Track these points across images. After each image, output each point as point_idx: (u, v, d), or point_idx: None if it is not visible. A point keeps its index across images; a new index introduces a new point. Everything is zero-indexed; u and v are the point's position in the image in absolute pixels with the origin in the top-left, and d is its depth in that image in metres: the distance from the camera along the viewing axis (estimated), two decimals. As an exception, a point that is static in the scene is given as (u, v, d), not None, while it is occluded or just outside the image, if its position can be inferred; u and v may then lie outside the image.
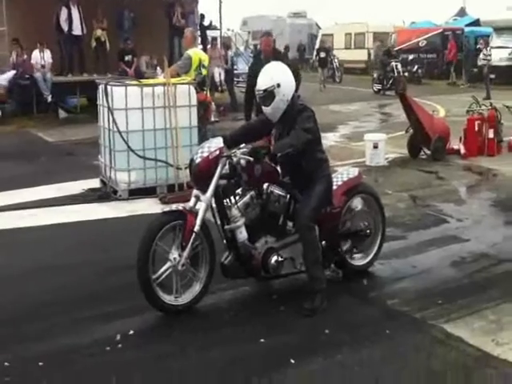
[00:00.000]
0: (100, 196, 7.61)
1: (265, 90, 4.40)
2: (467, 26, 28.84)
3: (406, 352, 3.81)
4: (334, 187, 4.73)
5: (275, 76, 4.45)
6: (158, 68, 12.04)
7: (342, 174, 4.99)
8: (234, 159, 4.28)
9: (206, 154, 4.29)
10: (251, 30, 35.61)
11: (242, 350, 3.88)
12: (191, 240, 4.19)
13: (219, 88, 17.13)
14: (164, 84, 7.62)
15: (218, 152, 4.27)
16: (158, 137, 7.48)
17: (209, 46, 18.16)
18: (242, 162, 4.29)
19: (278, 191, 4.50)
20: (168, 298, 4.25)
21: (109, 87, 7.57)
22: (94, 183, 8.02)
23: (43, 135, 12.54)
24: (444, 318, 4.24)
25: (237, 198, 4.39)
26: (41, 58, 14.42)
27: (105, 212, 6.97)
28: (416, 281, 4.91)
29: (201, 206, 4.25)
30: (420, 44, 27.90)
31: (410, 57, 25.57)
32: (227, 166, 4.29)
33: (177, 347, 3.91)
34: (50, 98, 14.39)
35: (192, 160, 4.38)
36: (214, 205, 4.36)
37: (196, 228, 4.18)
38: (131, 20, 15.98)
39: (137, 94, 7.45)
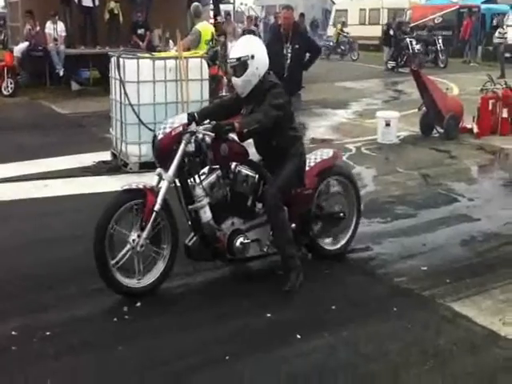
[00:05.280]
0: (111, 169, 7.63)
1: (238, 59, 4.28)
2: (484, 3, 28.33)
3: (413, 329, 3.81)
4: (307, 168, 4.60)
5: (251, 47, 4.35)
6: (171, 41, 11.95)
7: (316, 154, 4.83)
8: (199, 136, 4.12)
9: (168, 130, 4.12)
10: (264, 5, 35.23)
11: (248, 324, 3.89)
12: (151, 220, 4.04)
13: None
14: (176, 57, 7.58)
15: (180, 128, 4.11)
16: (170, 110, 7.43)
17: (221, 19, 18.02)
18: (207, 139, 4.13)
19: (245, 171, 4.34)
20: (128, 282, 4.12)
21: (121, 60, 7.53)
22: (105, 156, 8.03)
23: (56, 107, 12.53)
24: (452, 296, 4.24)
25: (202, 177, 4.22)
26: (54, 30, 14.34)
27: (115, 184, 6.93)
28: (425, 259, 4.89)
29: (163, 185, 4.10)
30: (435, 21, 27.47)
31: (425, 34, 25.19)
32: (193, 144, 4.13)
33: (183, 320, 3.93)
34: (62, 72, 14.35)
35: (154, 136, 4.22)
36: (178, 184, 4.23)
37: (156, 207, 4.03)
38: (145, -7, 15.83)
39: (149, 67, 7.42)
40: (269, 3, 33.96)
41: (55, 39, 14.36)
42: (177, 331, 3.80)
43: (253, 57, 4.27)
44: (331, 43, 26.52)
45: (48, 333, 3.73)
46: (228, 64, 4.41)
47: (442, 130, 9.63)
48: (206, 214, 4.19)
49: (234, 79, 4.37)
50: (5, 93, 13.67)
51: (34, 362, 3.46)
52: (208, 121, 4.26)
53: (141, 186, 4.10)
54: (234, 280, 4.61)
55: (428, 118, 9.82)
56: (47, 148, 8.61)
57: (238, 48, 4.39)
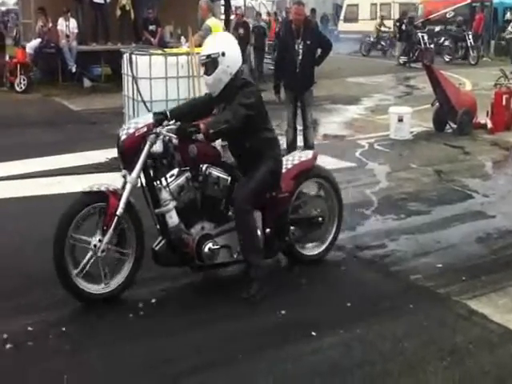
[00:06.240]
0: (124, 165, 7.62)
1: (208, 56, 4.13)
2: (496, -4, 28.10)
3: (429, 327, 3.79)
4: (284, 170, 4.42)
5: (221, 44, 4.18)
6: (183, 37, 11.95)
7: (294, 156, 4.65)
8: (167, 137, 3.95)
9: (132, 131, 3.95)
10: (275, 0, 35.14)
11: (263, 321, 3.89)
12: (113, 224, 3.89)
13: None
14: (188, 53, 7.58)
15: (145, 129, 3.93)
16: (182, 107, 7.45)
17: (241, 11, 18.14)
18: (175, 140, 3.96)
19: (217, 173, 4.16)
20: (94, 288, 4.00)
21: (133, 56, 7.56)
22: (118, 152, 8.04)
23: (68, 103, 12.60)
24: (468, 294, 4.22)
25: (171, 179, 4.06)
26: (66, 26, 14.39)
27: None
28: (440, 256, 4.86)
29: (126, 187, 3.94)
30: (447, 15, 27.26)
31: (437, 28, 25.01)
32: (160, 145, 3.95)
33: (197, 317, 3.92)
34: (74, 69, 14.41)
35: (118, 137, 4.03)
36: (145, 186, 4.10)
37: (119, 211, 3.88)
38: (155, -11, 15.82)
39: (161, 63, 7.46)
40: (279, -2, 33.90)
41: (67, 36, 14.41)
42: (191, 328, 3.79)
43: (223, 54, 4.10)
44: (371, 39, 25.74)
45: (63, 329, 3.75)
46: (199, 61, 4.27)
47: (455, 126, 9.57)
48: (172, 219, 4.02)
49: (205, 77, 4.21)
50: (18, 89, 13.75)
51: (51, 358, 3.48)
52: (173, 121, 4.07)
53: (103, 189, 3.95)
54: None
55: (441, 113, 9.76)
56: (60, 145, 8.64)
57: (208, 45, 4.24)
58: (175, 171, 4.10)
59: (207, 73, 4.17)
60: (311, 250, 4.75)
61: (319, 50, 7.63)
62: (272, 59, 15.65)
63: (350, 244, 5.10)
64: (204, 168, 4.12)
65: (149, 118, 4.06)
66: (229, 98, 4.13)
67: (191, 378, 3.32)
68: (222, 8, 18.63)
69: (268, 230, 4.35)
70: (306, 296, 4.23)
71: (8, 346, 3.57)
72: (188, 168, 4.10)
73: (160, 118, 4.08)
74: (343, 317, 3.93)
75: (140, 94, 7.37)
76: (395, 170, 7.49)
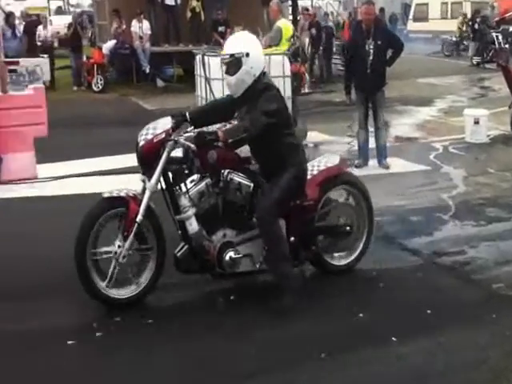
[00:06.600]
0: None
1: (231, 55, 3.99)
2: None
3: (513, 337, 3.69)
4: (309, 176, 4.27)
5: (246, 44, 4.05)
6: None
7: (320, 162, 4.46)
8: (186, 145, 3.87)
9: (150, 137, 3.89)
10: (342, 0, 34.85)
11: (341, 324, 3.87)
12: (134, 230, 3.88)
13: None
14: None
15: (163, 135, 3.88)
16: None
17: (300, 17, 18.07)
18: (193, 146, 3.86)
19: (238, 179, 4.04)
20: (118, 293, 3.99)
21: (206, 57, 7.68)
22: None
23: (143, 103, 12.97)
24: (555, 305, 4.08)
25: (191, 185, 3.98)
26: (139, 28, 14.76)
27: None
28: (524, 265, 4.72)
29: (145, 193, 3.91)
30: (523, 14, 26.33)
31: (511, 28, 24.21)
32: (179, 150, 3.89)
33: (274, 316, 3.92)
34: (148, 70, 14.80)
35: (136, 143, 3.97)
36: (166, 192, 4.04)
37: (138, 218, 3.86)
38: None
39: (234, 64, 7.52)
40: (347, -3, 33.58)
41: (141, 37, 14.78)
42: (267, 328, 3.81)
43: (247, 55, 3.96)
44: (453, 38, 24.95)
45: (150, 321, 3.87)
46: (221, 60, 4.16)
47: (534, 129, 9.25)
48: (192, 226, 3.94)
49: (227, 78, 4.07)
50: (95, 89, 14.25)
51: (132, 348, 3.58)
52: (192, 128, 4.04)
53: (122, 194, 3.94)
54: (323, 279, 4.55)
55: (519, 116, 9.43)
56: (132, 143, 8.83)
57: (231, 43, 4.11)
58: (195, 177, 4.03)
59: (229, 73, 4.03)
60: (340, 259, 4.58)
61: (390, 51, 7.53)
62: (341, 60, 15.56)
63: (428, 250, 5.02)
64: (225, 174, 4.01)
65: (167, 123, 3.99)
66: (251, 100, 4.00)
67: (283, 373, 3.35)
68: (290, 9, 18.64)
69: (292, 238, 4.20)
70: (384, 300, 4.19)
71: (98, 334, 3.73)
72: (208, 173, 4.02)
73: (179, 120, 4.06)
74: (424, 324, 3.87)
75: (213, 95, 7.49)
76: (472, 174, 7.30)
